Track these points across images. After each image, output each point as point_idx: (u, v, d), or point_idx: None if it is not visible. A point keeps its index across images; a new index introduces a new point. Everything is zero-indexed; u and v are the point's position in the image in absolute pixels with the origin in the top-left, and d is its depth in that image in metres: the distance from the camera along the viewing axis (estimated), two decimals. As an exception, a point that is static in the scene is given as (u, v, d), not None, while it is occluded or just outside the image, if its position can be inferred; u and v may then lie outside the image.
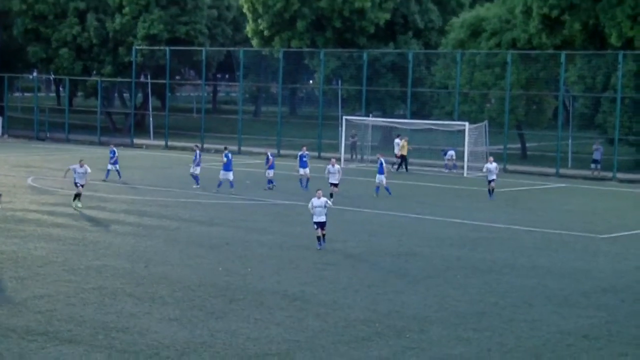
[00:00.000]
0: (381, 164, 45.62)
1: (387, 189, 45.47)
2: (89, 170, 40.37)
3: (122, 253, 30.11)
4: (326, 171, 43.28)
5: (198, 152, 47.98)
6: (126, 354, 19.39)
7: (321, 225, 31.09)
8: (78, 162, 40.45)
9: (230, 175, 45.66)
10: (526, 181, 55.63)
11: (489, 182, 45.33)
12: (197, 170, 47.30)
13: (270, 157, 47.39)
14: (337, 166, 43.18)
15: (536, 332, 21.73)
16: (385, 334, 21.24)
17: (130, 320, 21.91)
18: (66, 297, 24.13)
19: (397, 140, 60.33)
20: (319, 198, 31.09)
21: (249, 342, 20.34)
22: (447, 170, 59.77)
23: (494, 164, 45.71)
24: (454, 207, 42.86)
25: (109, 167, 49.40)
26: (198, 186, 46.68)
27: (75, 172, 39.95)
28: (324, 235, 31.21)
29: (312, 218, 31.31)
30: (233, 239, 33.03)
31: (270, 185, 46.85)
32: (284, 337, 20.80)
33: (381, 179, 45.49)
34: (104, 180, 48.59)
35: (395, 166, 59.07)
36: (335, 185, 42.59)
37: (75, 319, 21.94)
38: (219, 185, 45.68)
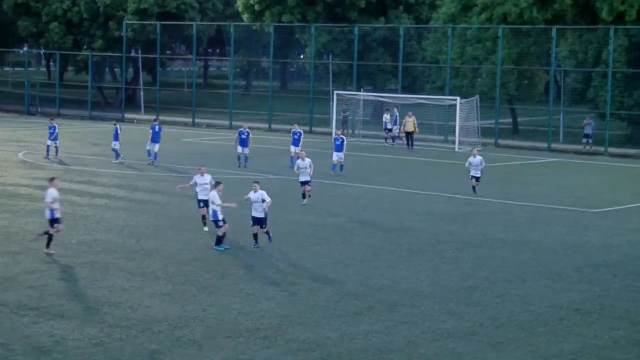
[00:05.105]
0: (342, 141, 44.59)
1: (341, 166, 44.19)
2: (212, 181, 29.68)
3: (114, 228, 30.08)
4: (296, 167, 36.82)
5: (118, 126, 47.92)
6: (118, 328, 19.39)
7: (259, 221, 27.54)
8: (198, 171, 31.07)
9: (156, 147, 46.84)
10: (517, 156, 55.65)
11: (473, 178, 38.95)
12: (117, 145, 47.43)
13: (242, 134, 47.00)
14: (307, 160, 36.16)
15: (528, 306, 21.78)
16: (377, 309, 21.27)
17: (122, 295, 21.91)
18: (58, 272, 24.12)
19: (386, 116, 60.30)
20: (255, 192, 27.68)
21: (241, 317, 20.35)
22: (391, 142, 60.21)
23: (478, 157, 39.03)
24: (445, 182, 42.84)
25: (49, 142, 48.71)
26: (117, 161, 46.70)
27: (196, 185, 30.38)
28: (267, 232, 27.70)
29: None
30: (225, 214, 32.93)
31: (240, 163, 46.62)
32: (276, 312, 20.82)
33: (340, 156, 44.20)
34: (45, 158, 48.03)
35: (390, 140, 59.36)
36: (307, 183, 35.92)
37: (67, 294, 21.95)
38: (149, 155, 46.77)
